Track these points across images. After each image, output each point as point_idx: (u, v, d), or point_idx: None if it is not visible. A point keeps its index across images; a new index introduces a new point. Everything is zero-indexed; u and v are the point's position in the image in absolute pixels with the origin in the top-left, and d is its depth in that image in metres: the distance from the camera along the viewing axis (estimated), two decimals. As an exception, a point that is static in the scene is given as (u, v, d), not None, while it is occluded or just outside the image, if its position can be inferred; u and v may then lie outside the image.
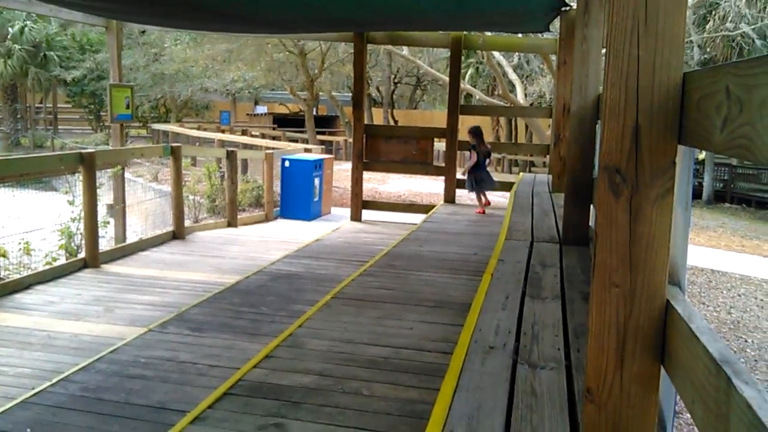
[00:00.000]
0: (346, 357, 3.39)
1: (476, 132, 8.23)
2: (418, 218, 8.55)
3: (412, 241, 6.23)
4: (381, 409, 2.84)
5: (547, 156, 10.56)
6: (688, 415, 3.77)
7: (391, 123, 30.38)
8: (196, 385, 3.52)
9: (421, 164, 9.37)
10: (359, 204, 9.60)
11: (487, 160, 8.42)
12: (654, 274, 1.56)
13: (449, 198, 9.17)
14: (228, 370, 3.66)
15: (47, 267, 6.44)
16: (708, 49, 17.94)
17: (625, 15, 1.50)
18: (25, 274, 6.22)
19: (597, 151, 4.19)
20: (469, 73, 27.11)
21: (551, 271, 3.55)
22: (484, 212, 8.25)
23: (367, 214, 9.69)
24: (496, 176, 10.52)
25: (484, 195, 8.49)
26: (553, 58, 13.12)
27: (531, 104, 20.23)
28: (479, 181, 8.24)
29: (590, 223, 4.25)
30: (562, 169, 8.13)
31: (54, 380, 3.63)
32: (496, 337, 2.53)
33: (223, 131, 22.99)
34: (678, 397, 1.72)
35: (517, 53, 20.10)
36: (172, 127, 22.95)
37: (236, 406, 2.78)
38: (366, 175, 9.75)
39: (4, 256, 6.27)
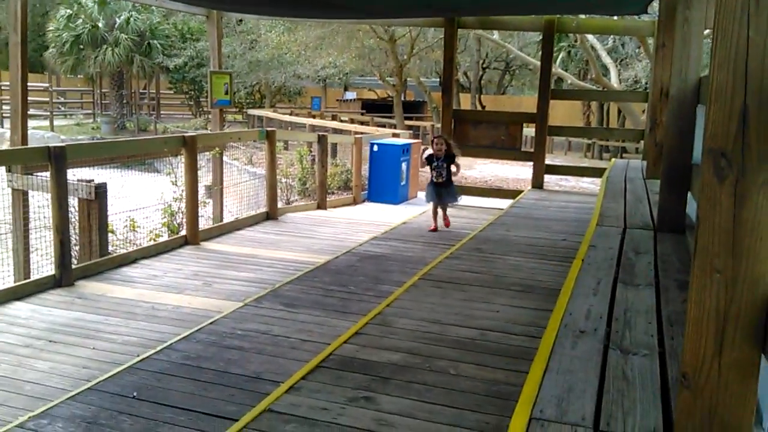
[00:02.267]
0: (434, 337, 3.45)
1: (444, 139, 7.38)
2: (504, 203, 8.49)
3: (499, 226, 6.20)
4: (468, 388, 2.88)
5: (641, 142, 10.20)
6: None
7: (479, 108, 30.05)
8: (289, 358, 3.67)
9: (510, 149, 9.26)
10: (446, 189, 9.59)
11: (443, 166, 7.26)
12: (758, 260, 1.53)
13: (537, 183, 9.03)
14: (319, 344, 3.80)
15: (151, 243, 6.83)
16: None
17: (735, -6, 1.46)
18: (131, 249, 6.63)
19: (697, 137, 4.04)
20: (560, 57, 26.39)
21: (645, 258, 3.47)
22: (436, 229, 7.41)
23: (453, 198, 9.68)
24: (586, 162, 10.25)
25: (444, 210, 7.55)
26: (650, 41, 12.59)
27: (626, 89, 19.52)
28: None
29: (687, 211, 4.12)
30: (658, 155, 7.83)
31: (158, 348, 3.87)
32: (587, 322, 2.51)
33: (314, 116, 23.45)
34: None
35: (612, 36, 19.40)
36: (266, 113, 23.61)
37: (328, 379, 2.90)
38: (453, 160, 9.73)
39: (112, 232, 6.69)
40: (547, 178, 9.19)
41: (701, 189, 1.58)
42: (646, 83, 18.20)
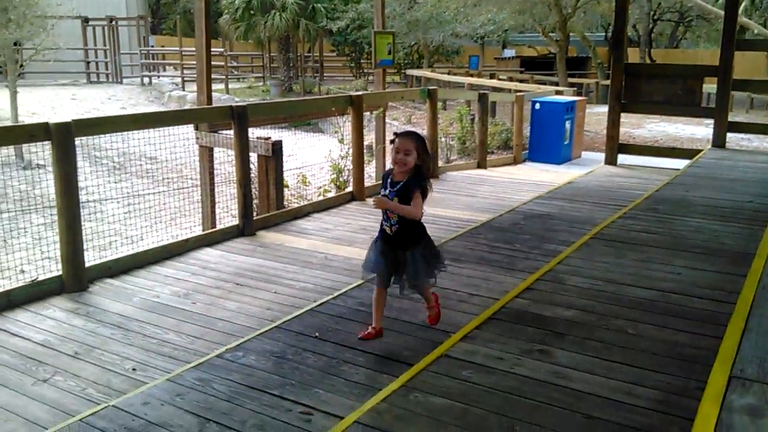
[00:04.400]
0: (609, 296, 3.36)
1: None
2: (679, 164, 7.96)
3: (677, 186, 5.85)
4: (647, 348, 2.79)
5: None
6: None
7: (648, 63, 28.11)
8: (458, 310, 3.73)
9: (687, 106, 8.61)
10: (615, 147, 9.15)
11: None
12: None
13: (719, 142, 8.36)
14: (486, 299, 3.83)
15: (321, 198, 7.19)
16: None
17: None
18: (303, 203, 7.02)
19: None
20: (743, 4, 23.92)
21: None
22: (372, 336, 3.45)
23: (621, 158, 9.23)
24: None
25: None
26: None
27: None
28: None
29: None
30: None
31: (335, 294, 4.10)
32: (790, 285, 2.33)
33: (471, 75, 23.17)
34: None
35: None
36: (425, 73, 23.69)
37: (501, 330, 2.93)
38: (620, 118, 9.23)
39: (287, 186, 7.12)
40: (730, 135, 8.47)
41: None
42: None
